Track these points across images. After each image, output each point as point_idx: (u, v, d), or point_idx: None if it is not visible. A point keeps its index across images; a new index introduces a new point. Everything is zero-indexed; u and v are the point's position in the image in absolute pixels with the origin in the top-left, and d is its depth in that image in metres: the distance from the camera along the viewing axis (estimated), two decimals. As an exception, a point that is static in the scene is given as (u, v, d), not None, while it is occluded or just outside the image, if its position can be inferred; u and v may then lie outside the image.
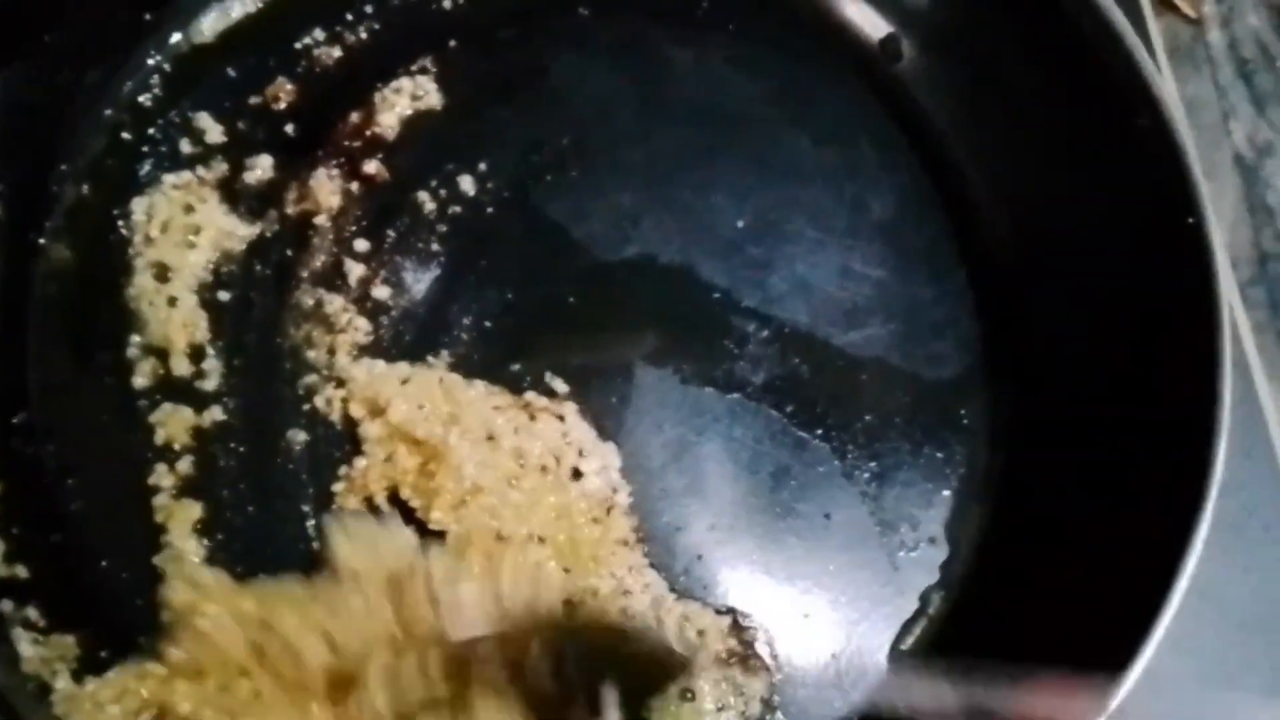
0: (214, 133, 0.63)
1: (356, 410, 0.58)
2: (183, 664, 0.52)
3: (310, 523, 0.57)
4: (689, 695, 0.56)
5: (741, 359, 0.63)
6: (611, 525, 0.58)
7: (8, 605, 0.53)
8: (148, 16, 0.64)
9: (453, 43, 0.67)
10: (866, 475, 0.62)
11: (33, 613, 0.53)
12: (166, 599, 0.54)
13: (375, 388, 0.58)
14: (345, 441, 0.58)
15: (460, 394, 0.59)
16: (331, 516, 0.56)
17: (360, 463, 0.57)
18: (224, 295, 0.60)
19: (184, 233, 0.61)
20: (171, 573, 0.55)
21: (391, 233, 0.63)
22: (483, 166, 0.65)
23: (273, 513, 0.57)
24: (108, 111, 0.63)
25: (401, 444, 0.57)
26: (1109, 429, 0.60)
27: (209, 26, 0.66)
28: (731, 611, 0.58)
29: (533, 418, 0.59)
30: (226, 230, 0.61)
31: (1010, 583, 0.60)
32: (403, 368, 0.60)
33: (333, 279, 0.61)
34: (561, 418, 0.59)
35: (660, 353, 0.62)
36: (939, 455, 0.63)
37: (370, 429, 0.58)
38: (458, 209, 0.64)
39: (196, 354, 0.59)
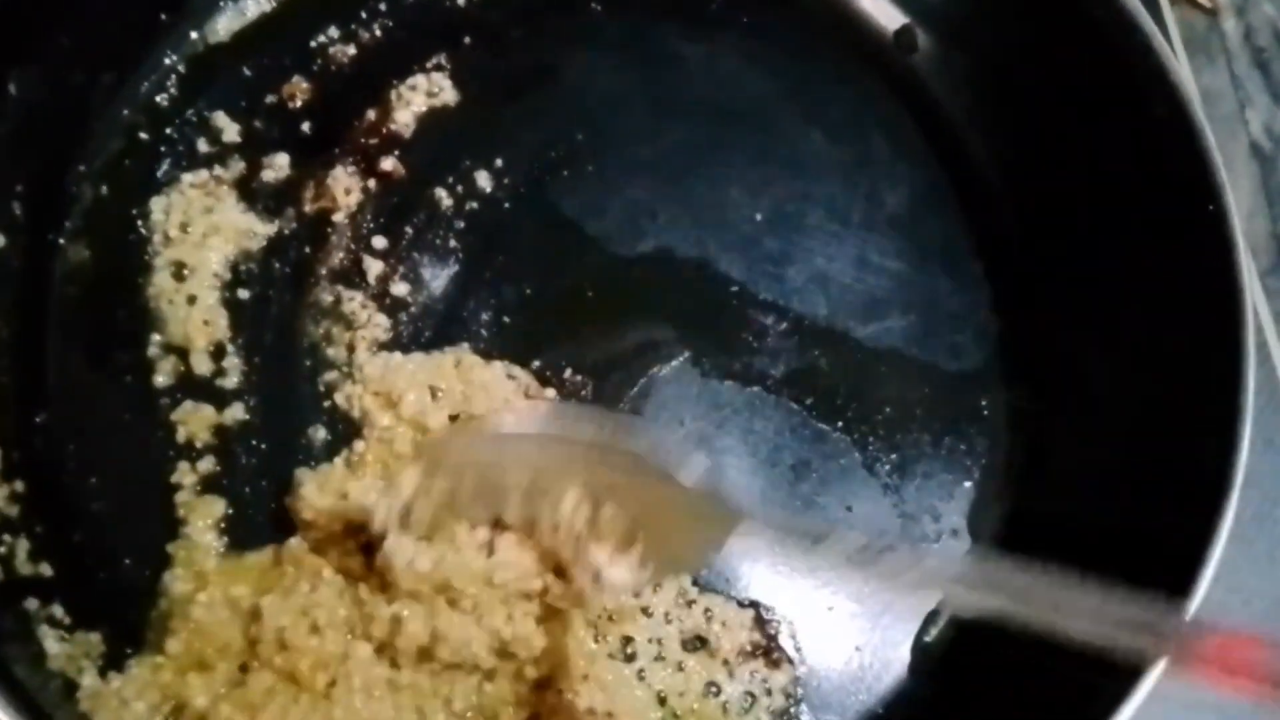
0: (231, 132, 0.63)
1: (370, 402, 0.58)
2: (183, 655, 0.52)
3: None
4: (713, 689, 0.56)
5: (760, 352, 0.63)
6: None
7: (33, 603, 0.53)
8: (163, 17, 0.65)
9: (466, 40, 0.68)
10: (887, 467, 0.62)
11: (58, 610, 0.53)
12: (166, 587, 0.54)
13: (390, 380, 0.58)
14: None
15: (476, 375, 0.59)
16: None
17: (359, 446, 0.57)
18: (243, 293, 0.60)
19: (202, 231, 0.61)
20: (180, 560, 0.55)
21: (409, 229, 0.63)
22: (499, 162, 0.65)
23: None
24: (125, 112, 0.63)
25: (402, 427, 0.57)
26: (1129, 418, 0.60)
27: (224, 26, 0.66)
28: (755, 605, 0.58)
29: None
30: (245, 229, 0.62)
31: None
32: (418, 357, 0.60)
33: (351, 276, 0.61)
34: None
35: (679, 347, 0.62)
36: (960, 447, 0.63)
37: (380, 419, 0.58)
38: (474, 205, 0.64)
39: (217, 352, 0.59)
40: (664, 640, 0.56)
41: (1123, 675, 0.49)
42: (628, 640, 0.56)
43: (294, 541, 0.55)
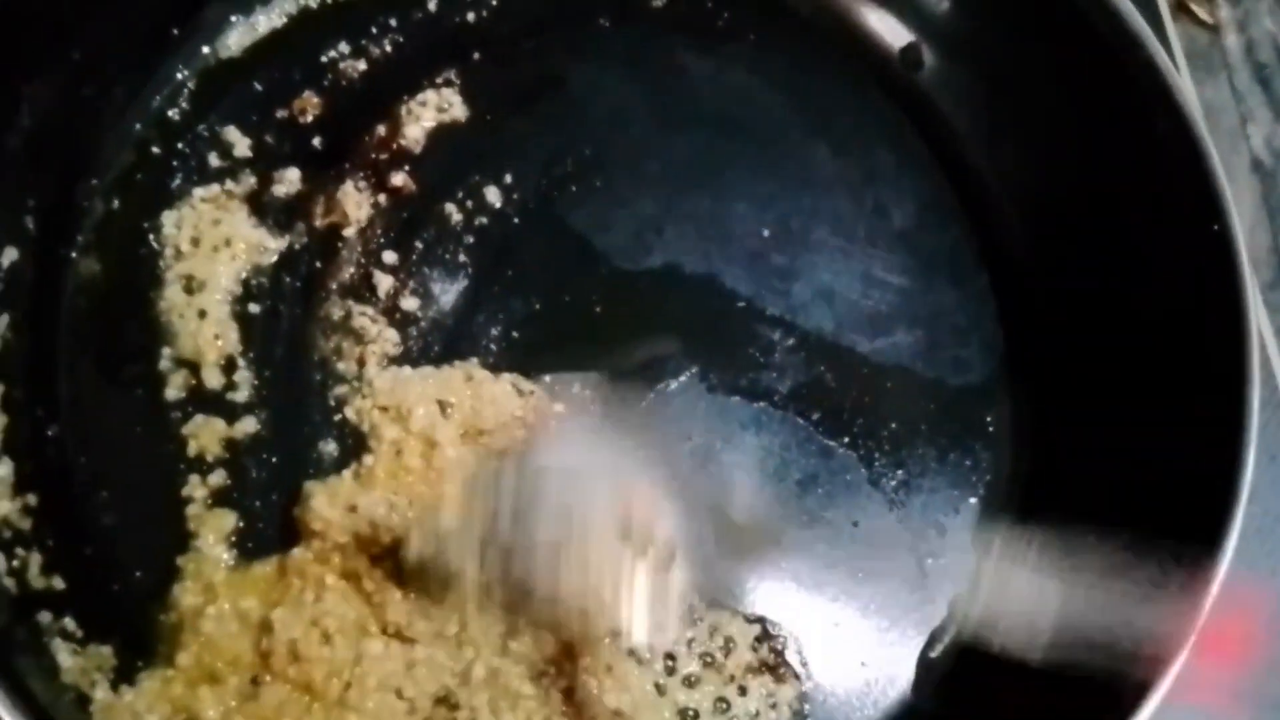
0: (242, 146, 0.64)
1: (379, 416, 0.59)
2: (194, 668, 0.53)
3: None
4: (722, 705, 0.56)
5: (767, 367, 0.63)
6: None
7: (46, 617, 0.53)
8: (175, 32, 0.65)
9: (476, 55, 0.68)
10: (893, 483, 0.62)
11: (70, 624, 0.53)
12: (176, 600, 0.54)
13: (399, 394, 0.59)
14: (375, 451, 0.59)
15: (485, 389, 0.60)
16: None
17: (368, 459, 0.58)
18: (254, 307, 0.61)
19: (213, 246, 0.61)
20: (189, 573, 0.55)
21: (419, 244, 0.63)
22: (508, 178, 0.65)
23: (305, 523, 0.57)
24: (136, 126, 0.64)
25: (412, 440, 0.58)
26: (1134, 433, 0.61)
27: (235, 41, 0.66)
28: (761, 620, 0.58)
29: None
30: (255, 243, 0.62)
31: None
32: (427, 371, 0.60)
33: (361, 290, 0.62)
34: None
35: (686, 361, 0.63)
36: (965, 462, 0.63)
37: (390, 432, 0.58)
38: (484, 220, 0.64)
39: (228, 366, 0.59)
40: (676, 656, 0.57)
41: (1129, 694, 0.49)
42: (632, 653, 0.56)
43: (298, 552, 0.55)
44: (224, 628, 0.54)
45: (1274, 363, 0.72)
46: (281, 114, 0.65)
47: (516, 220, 0.65)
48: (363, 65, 0.67)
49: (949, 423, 0.64)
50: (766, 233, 0.66)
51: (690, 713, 0.56)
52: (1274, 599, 0.66)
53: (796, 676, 0.58)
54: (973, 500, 0.63)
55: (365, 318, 0.61)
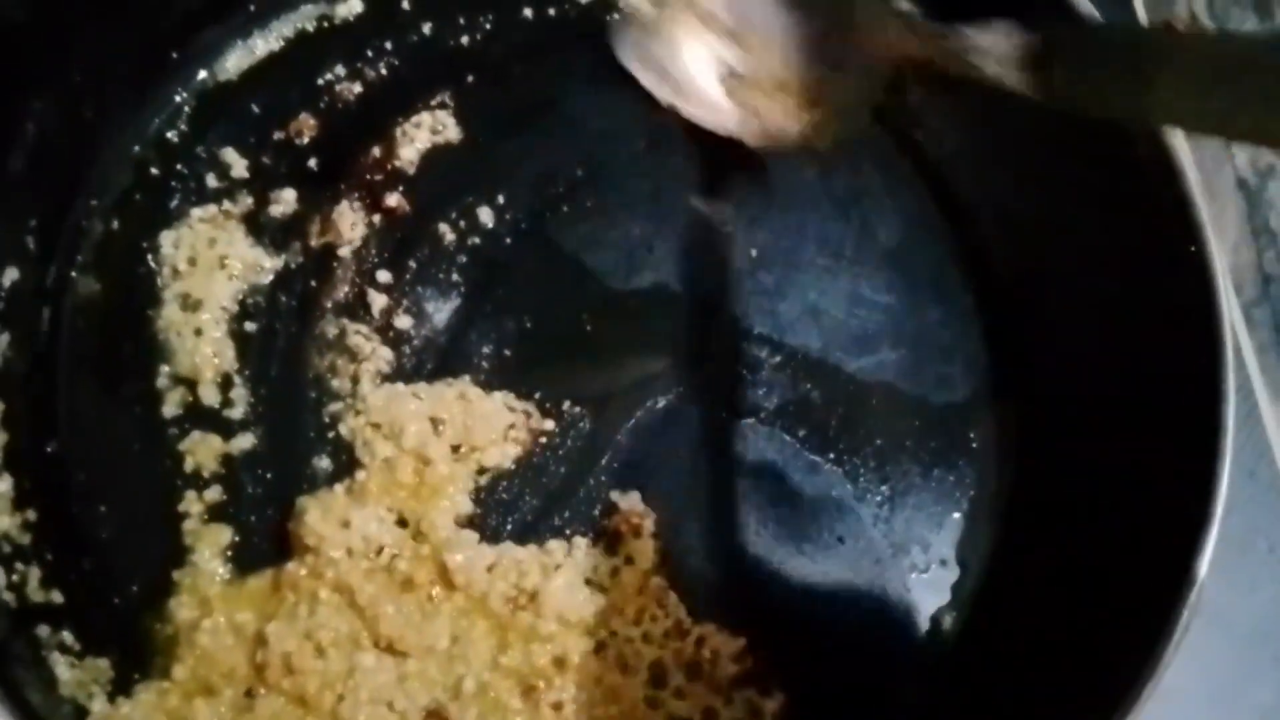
0: (239, 167, 0.65)
1: (372, 433, 0.60)
2: (190, 681, 0.54)
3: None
4: (709, 717, 0.57)
5: (754, 384, 0.64)
6: (639, 549, 0.59)
7: (44, 630, 0.54)
8: (174, 55, 0.66)
9: (470, 77, 0.69)
10: (878, 499, 0.63)
11: (68, 637, 0.54)
12: (172, 613, 0.55)
13: (392, 412, 0.60)
14: (368, 468, 0.60)
15: (477, 406, 0.61)
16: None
17: (361, 475, 0.59)
18: (250, 326, 0.62)
19: (211, 265, 0.62)
20: (185, 587, 0.56)
21: (413, 263, 0.64)
22: (500, 198, 0.66)
23: (299, 538, 0.58)
24: (135, 147, 0.65)
25: (404, 456, 0.59)
26: (1115, 450, 0.62)
27: (233, 64, 0.67)
28: (746, 633, 0.59)
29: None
30: (252, 262, 0.63)
31: (1021, 603, 0.61)
32: (421, 389, 0.61)
33: (356, 309, 0.63)
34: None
35: (675, 379, 0.64)
36: (949, 478, 0.64)
37: (383, 449, 0.59)
38: (477, 240, 0.65)
39: (224, 383, 0.60)
40: (666, 667, 0.58)
41: (1114, 704, 0.50)
42: (624, 663, 0.57)
43: (291, 566, 0.56)
44: (219, 641, 0.55)
45: (1254, 380, 0.73)
46: (278, 135, 0.66)
47: (509, 240, 0.66)
48: (358, 87, 0.68)
49: (933, 439, 0.65)
50: (754, 252, 0.67)
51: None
52: (1253, 611, 0.68)
53: (781, 689, 0.58)
54: (956, 516, 0.63)
55: (359, 336, 0.62)
